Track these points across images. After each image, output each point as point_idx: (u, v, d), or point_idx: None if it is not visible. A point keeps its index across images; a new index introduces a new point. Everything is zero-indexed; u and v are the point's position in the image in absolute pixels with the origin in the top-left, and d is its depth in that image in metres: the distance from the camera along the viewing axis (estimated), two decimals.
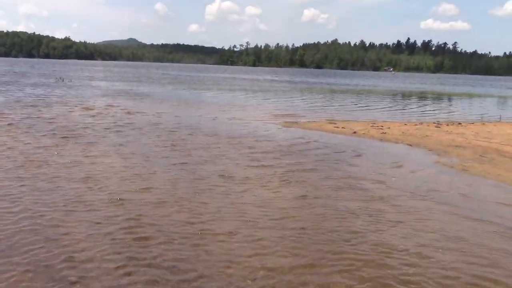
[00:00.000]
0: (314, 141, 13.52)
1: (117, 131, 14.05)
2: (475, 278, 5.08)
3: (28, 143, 11.54)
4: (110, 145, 11.70)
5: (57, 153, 10.44)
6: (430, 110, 27.46)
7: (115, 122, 15.92)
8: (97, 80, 48.96)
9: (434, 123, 19.26)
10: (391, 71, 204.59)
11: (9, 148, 10.82)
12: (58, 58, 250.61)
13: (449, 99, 40.98)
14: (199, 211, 6.82)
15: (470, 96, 45.75)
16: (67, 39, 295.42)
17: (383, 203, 7.59)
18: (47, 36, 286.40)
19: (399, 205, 7.54)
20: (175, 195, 7.59)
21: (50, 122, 15.28)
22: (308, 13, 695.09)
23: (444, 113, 25.64)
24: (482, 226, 6.70)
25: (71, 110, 19.43)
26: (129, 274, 4.85)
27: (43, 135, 12.75)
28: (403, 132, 15.79)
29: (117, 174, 8.79)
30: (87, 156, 10.26)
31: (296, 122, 18.04)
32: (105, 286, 4.58)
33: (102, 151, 10.92)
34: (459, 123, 19.40)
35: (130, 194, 7.55)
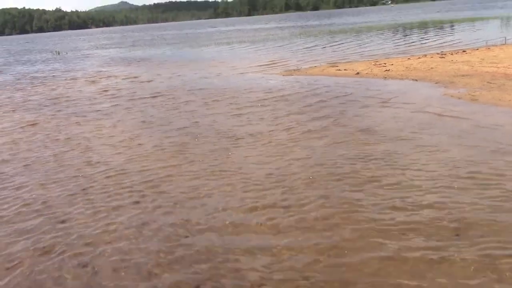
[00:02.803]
0: (317, 88, 13.24)
1: (115, 101, 13.91)
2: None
3: (25, 120, 11.50)
4: (108, 117, 11.61)
5: (60, 131, 10.39)
6: (433, 40, 26.68)
7: (112, 93, 15.74)
8: (92, 49, 48.26)
9: (438, 53, 18.76)
10: (389, 4, 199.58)
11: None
12: (52, 31, 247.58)
13: (451, 26, 39.75)
14: (202, 169, 6.76)
15: (473, 20, 44.29)
16: (58, 10, 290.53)
17: (397, 143, 7.44)
18: (38, 10, 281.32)
19: (413, 144, 7.39)
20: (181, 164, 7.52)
21: (47, 99, 15.14)
22: None
23: (447, 41, 24.89)
24: (502, 157, 6.53)
25: (67, 84, 19.20)
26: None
27: (40, 113, 12.66)
28: (406, 67, 15.40)
29: (116, 147, 8.74)
30: (93, 131, 10.20)
31: (298, 70, 17.67)
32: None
33: (100, 124, 10.84)
34: (463, 51, 18.87)
35: (131, 164, 7.50)
